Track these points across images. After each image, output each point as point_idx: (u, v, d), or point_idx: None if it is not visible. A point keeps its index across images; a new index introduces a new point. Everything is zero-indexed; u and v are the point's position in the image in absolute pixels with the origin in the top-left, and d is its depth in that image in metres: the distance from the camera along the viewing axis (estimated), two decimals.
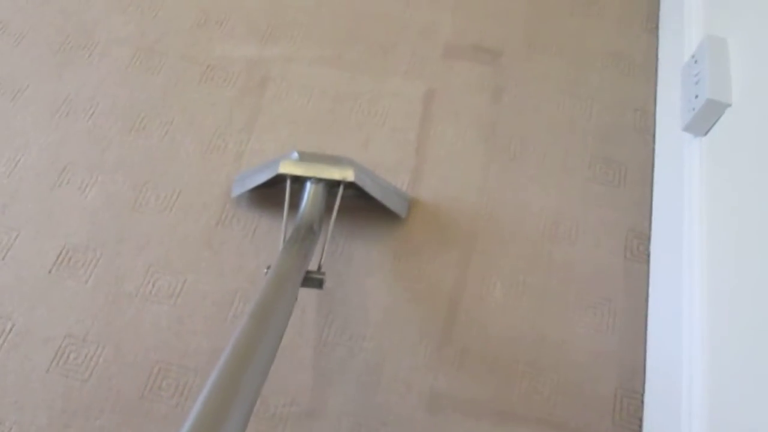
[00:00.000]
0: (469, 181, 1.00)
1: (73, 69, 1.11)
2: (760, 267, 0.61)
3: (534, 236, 0.95)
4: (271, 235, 0.95)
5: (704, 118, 0.79)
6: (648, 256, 0.93)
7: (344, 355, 0.86)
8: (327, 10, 1.19)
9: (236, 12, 1.18)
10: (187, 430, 0.43)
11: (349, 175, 0.86)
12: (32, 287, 0.90)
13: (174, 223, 0.96)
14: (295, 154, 0.88)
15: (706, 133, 0.81)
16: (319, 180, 0.86)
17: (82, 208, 0.97)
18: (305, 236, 0.79)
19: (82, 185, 0.99)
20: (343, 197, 0.86)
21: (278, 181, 0.89)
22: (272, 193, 0.96)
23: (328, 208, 0.85)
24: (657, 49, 1.13)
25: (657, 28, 1.16)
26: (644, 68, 1.11)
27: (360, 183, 0.87)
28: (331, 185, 0.87)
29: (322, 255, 0.80)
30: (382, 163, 1.01)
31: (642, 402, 0.83)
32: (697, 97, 0.80)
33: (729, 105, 0.76)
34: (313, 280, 0.76)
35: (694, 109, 0.80)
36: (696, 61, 0.84)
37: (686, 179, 0.83)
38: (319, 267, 0.78)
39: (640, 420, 0.81)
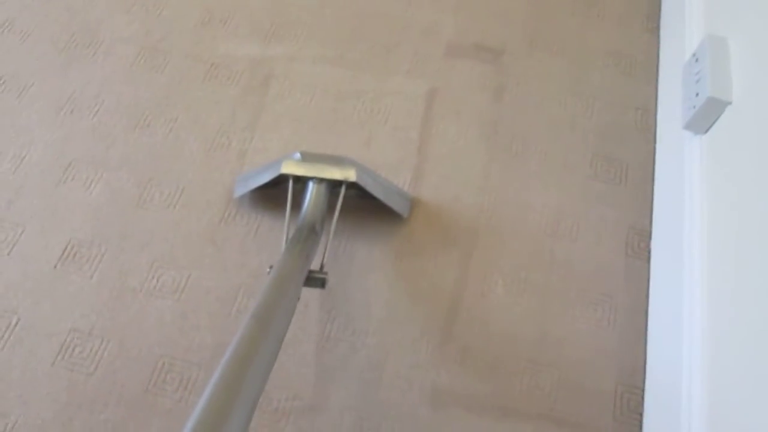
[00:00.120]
0: (471, 179, 1.00)
1: (78, 67, 1.12)
2: (760, 263, 0.62)
3: (535, 234, 0.96)
4: (274, 232, 0.95)
5: (705, 116, 0.80)
6: (649, 253, 0.93)
7: (347, 351, 0.86)
8: (330, 10, 1.20)
9: (240, 11, 1.19)
10: (190, 427, 0.43)
11: (351, 175, 0.86)
12: (37, 282, 0.91)
13: (178, 219, 0.96)
14: (298, 155, 0.89)
15: (706, 131, 0.81)
16: (321, 180, 0.87)
17: (86, 204, 0.98)
18: (307, 236, 0.79)
19: (86, 182, 1.00)
20: (345, 197, 0.86)
21: (280, 181, 0.89)
22: (275, 193, 0.96)
23: (330, 208, 0.86)
24: (658, 48, 1.14)
25: (658, 27, 1.16)
26: (645, 67, 1.12)
27: (362, 183, 0.87)
28: (334, 185, 0.88)
29: (324, 255, 0.80)
30: (384, 161, 1.02)
31: (642, 398, 0.83)
32: (697, 95, 0.81)
33: (729, 103, 0.76)
34: (315, 280, 0.76)
35: (694, 107, 0.81)
36: (697, 60, 0.84)
37: (687, 177, 0.84)
38: (322, 266, 0.78)
39: (641, 415, 0.82)
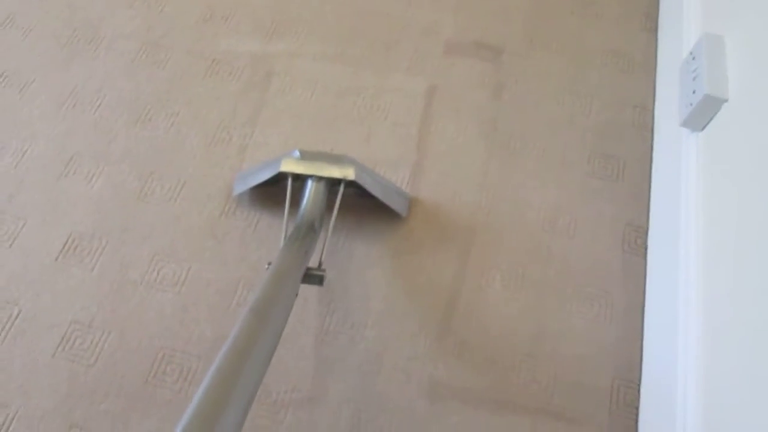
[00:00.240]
0: (470, 176, 1.01)
1: (79, 62, 1.13)
2: (757, 259, 0.63)
3: (533, 230, 0.96)
4: (274, 227, 0.96)
5: (701, 114, 0.81)
6: (645, 249, 0.94)
7: (345, 344, 0.87)
8: (330, 7, 1.20)
9: (241, 8, 1.20)
10: (187, 419, 0.44)
11: (349, 173, 0.86)
12: (38, 274, 0.91)
13: (178, 213, 0.97)
14: (297, 153, 0.89)
15: (703, 128, 0.82)
16: (320, 178, 0.87)
17: (88, 197, 0.98)
18: (306, 234, 0.80)
19: (88, 175, 1.00)
20: (343, 196, 0.86)
21: (280, 179, 0.90)
22: (274, 190, 0.97)
23: (329, 206, 0.86)
24: (656, 46, 1.15)
25: (656, 26, 1.17)
26: (643, 66, 1.13)
27: (360, 181, 0.87)
28: (332, 183, 0.88)
29: (322, 252, 0.81)
30: (384, 158, 1.02)
31: (638, 392, 0.84)
32: (694, 92, 0.81)
33: (725, 100, 0.77)
34: (313, 277, 0.77)
35: (691, 104, 0.82)
36: (694, 58, 0.85)
37: (683, 174, 0.85)
38: (320, 264, 0.79)
39: (636, 409, 0.83)
